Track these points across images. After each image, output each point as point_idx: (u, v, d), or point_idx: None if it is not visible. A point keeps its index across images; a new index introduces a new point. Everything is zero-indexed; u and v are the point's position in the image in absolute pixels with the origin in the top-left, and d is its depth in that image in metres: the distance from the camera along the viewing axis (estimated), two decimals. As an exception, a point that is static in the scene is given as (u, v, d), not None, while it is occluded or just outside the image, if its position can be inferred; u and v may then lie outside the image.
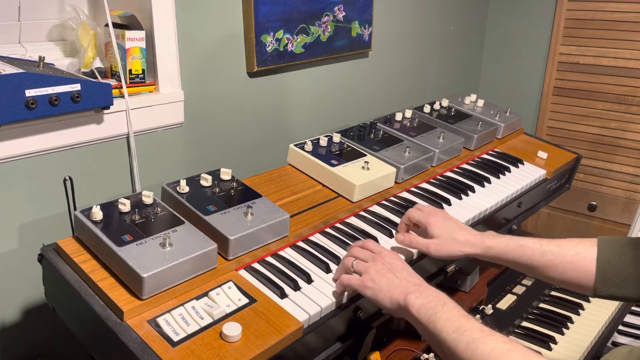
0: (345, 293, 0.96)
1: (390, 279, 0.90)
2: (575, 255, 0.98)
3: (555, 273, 0.99)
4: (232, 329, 0.81)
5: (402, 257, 1.00)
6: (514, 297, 1.53)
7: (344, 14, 1.77)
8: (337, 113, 1.94)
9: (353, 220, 1.18)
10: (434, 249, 1.03)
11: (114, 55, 1.26)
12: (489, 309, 1.44)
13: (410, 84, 2.29)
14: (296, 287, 0.95)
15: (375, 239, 1.11)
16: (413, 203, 1.26)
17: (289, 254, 1.04)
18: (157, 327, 0.82)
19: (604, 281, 0.96)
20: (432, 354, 1.27)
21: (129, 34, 1.26)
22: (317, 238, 1.10)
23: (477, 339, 0.76)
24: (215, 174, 1.11)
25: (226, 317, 0.86)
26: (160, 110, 1.36)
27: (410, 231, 1.11)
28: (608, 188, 2.53)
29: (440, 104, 1.68)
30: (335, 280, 0.98)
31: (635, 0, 2.30)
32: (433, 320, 0.81)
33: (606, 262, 0.96)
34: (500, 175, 1.46)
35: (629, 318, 1.59)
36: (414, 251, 1.10)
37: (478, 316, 1.40)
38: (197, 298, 0.89)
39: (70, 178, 1.07)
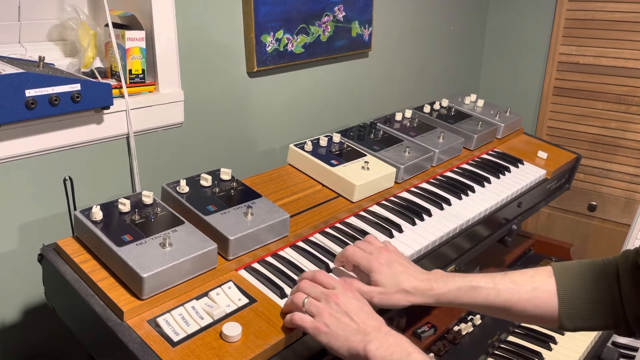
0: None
1: (347, 324, 0.81)
2: (533, 291, 0.91)
3: (515, 311, 0.92)
4: (232, 329, 0.81)
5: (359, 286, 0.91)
6: (514, 297, 1.53)
7: (344, 14, 1.77)
8: (337, 113, 1.94)
9: (353, 220, 1.18)
10: (379, 299, 0.91)
11: (114, 55, 1.26)
12: (489, 309, 1.44)
13: (410, 84, 2.29)
14: (296, 287, 0.95)
15: (375, 239, 1.11)
16: (413, 203, 1.26)
17: (289, 254, 1.04)
18: (157, 327, 0.82)
19: (570, 315, 0.90)
20: (432, 354, 1.27)
21: (129, 34, 1.26)
22: (317, 238, 1.10)
23: None
24: (215, 174, 1.11)
25: (226, 317, 0.86)
26: (160, 110, 1.36)
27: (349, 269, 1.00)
28: (608, 188, 2.53)
29: (440, 104, 1.68)
30: (284, 314, 0.88)
31: (636, 0, 2.30)
32: None
33: (569, 295, 0.90)
34: (500, 175, 1.46)
35: (629, 318, 1.59)
36: (416, 249, 1.10)
37: (478, 316, 1.40)
38: (197, 298, 0.89)
39: (70, 178, 1.07)
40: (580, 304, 0.90)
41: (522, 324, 1.45)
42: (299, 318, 0.84)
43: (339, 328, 0.81)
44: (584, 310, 0.90)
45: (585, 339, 1.41)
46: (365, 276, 0.94)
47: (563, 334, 1.42)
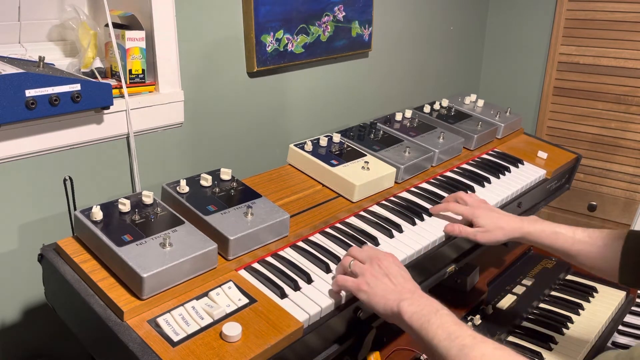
0: (343, 293, 0.96)
1: (386, 284, 0.91)
2: (603, 247, 1.06)
3: (586, 260, 1.09)
4: (232, 329, 0.81)
5: (400, 258, 1.01)
6: (514, 297, 1.53)
7: (344, 14, 1.77)
8: (337, 113, 1.94)
9: (353, 220, 1.18)
10: (481, 237, 1.15)
11: (114, 55, 1.26)
12: (489, 309, 1.44)
13: (410, 84, 2.29)
14: (296, 287, 0.95)
15: (375, 239, 1.11)
16: (413, 203, 1.26)
17: (289, 254, 1.04)
18: (157, 327, 0.82)
19: (626, 272, 1.03)
20: (432, 354, 1.27)
21: (129, 34, 1.26)
22: (317, 238, 1.10)
23: (467, 345, 0.77)
24: (215, 174, 1.11)
25: (226, 317, 0.86)
26: (160, 110, 1.36)
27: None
28: (608, 188, 2.53)
29: (440, 104, 1.68)
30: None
31: (636, 0, 2.31)
32: (425, 327, 0.82)
33: (629, 255, 1.03)
34: (500, 175, 1.45)
35: (629, 318, 1.59)
36: (416, 249, 1.11)
37: (478, 316, 1.40)
38: (197, 298, 0.89)
39: (70, 178, 1.07)
40: (636, 265, 1.03)
41: (523, 324, 1.45)
42: (343, 278, 0.94)
43: (378, 287, 0.91)
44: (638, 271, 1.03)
45: (585, 338, 1.41)
46: (466, 221, 1.18)
47: (563, 334, 1.42)
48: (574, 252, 1.10)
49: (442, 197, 1.30)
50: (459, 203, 1.21)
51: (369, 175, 1.22)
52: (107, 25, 1.25)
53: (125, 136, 1.32)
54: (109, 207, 0.96)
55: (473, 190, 1.36)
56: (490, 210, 1.18)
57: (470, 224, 1.18)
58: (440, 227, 1.20)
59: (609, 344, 1.48)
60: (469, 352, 0.76)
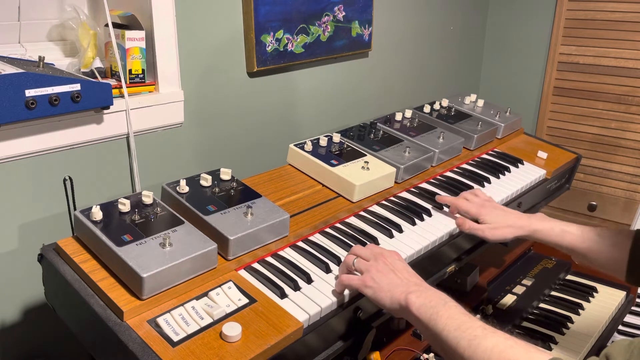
0: (346, 292, 0.96)
1: (391, 279, 0.91)
2: (612, 246, 1.07)
3: (593, 259, 1.10)
4: (232, 329, 0.81)
5: (404, 256, 1.01)
6: (514, 297, 1.53)
7: (344, 14, 1.77)
8: (337, 113, 1.94)
9: (353, 220, 1.18)
10: (490, 234, 1.15)
11: (114, 55, 1.26)
12: (489, 309, 1.44)
13: (410, 84, 2.29)
14: (296, 287, 0.95)
15: (375, 239, 1.11)
16: (413, 203, 1.26)
17: (289, 254, 1.04)
18: (157, 327, 0.82)
19: (633, 271, 1.04)
20: (432, 354, 1.27)
21: (129, 34, 1.26)
22: (317, 238, 1.10)
23: (479, 336, 0.77)
24: (215, 174, 1.11)
25: (226, 317, 0.86)
26: (160, 110, 1.36)
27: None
28: (608, 188, 2.53)
29: (440, 104, 1.68)
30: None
31: (636, 0, 2.30)
32: (434, 319, 0.82)
33: (637, 254, 1.04)
34: (500, 175, 1.45)
35: (629, 318, 1.59)
36: (416, 249, 1.11)
37: (478, 316, 1.40)
38: (197, 298, 0.89)
39: (70, 178, 1.07)
40: None
41: (523, 324, 1.46)
42: (347, 277, 0.94)
43: (384, 282, 0.91)
44: None
45: (585, 339, 1.41)
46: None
47: (563, 334, 1.42)
48: (582, 250, 1.10)
49: (442, 197, 1.30)
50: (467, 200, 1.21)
51: (369, 175, 1.22)
52: (107, 25, 1.25)
53: (125, 136, 1.32)
54: (108, 207, 0.96)
55: (473, 190, 1.36)
56: (495, 208, 1.19)
57: (476, 222, 1.17)
58: (440, 227, 1.20)
59: (609, 344, 1.48)
60: (481, 342, 0.76)
